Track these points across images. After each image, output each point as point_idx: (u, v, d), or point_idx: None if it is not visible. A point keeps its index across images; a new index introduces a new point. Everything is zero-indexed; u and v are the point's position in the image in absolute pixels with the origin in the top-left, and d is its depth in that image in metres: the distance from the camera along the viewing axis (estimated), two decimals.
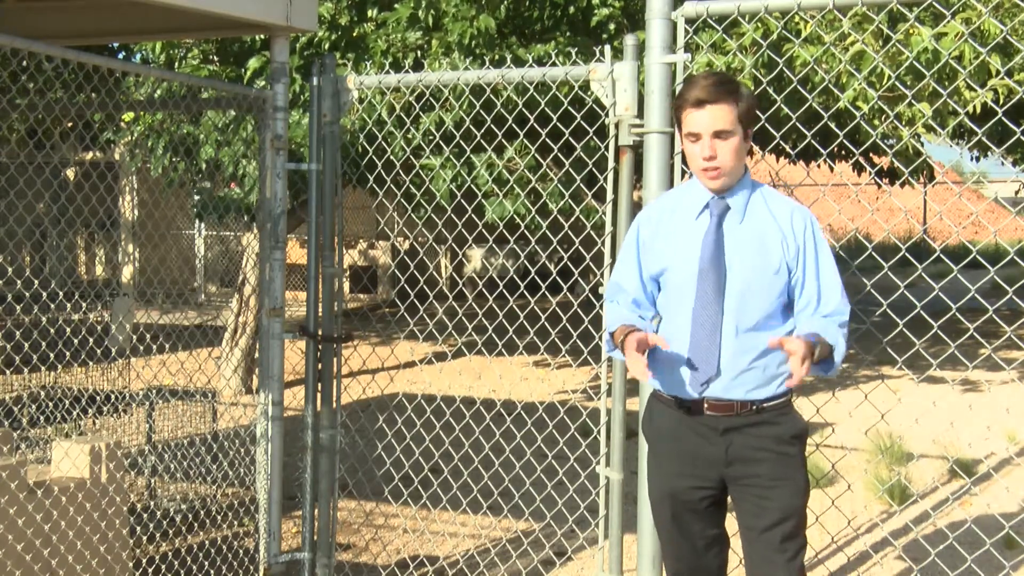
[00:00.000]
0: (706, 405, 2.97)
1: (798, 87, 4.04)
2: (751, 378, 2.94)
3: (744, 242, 2.96)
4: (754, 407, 2.95)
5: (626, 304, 3.14)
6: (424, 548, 5.32)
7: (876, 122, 6.26)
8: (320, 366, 4.35)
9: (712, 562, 3.14)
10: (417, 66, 7.02)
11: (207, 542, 5.11)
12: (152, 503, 5.54)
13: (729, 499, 3.10)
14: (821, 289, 2.97)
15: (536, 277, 4.49)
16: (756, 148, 11.20)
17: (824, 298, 2.97)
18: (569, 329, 4.38)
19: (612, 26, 7.25)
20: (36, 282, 4.04)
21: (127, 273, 15.90)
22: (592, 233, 4.62)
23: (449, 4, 6.79)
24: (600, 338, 3.78)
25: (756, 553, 3.00)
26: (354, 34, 7.38)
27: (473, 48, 6.65)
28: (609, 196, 3.74)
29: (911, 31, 5.56)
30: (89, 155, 14.30)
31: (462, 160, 6.77)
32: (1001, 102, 5.63)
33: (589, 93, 3.80)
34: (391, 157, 5.53)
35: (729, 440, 2.96)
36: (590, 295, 3.91)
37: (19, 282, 3.77)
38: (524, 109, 4.51)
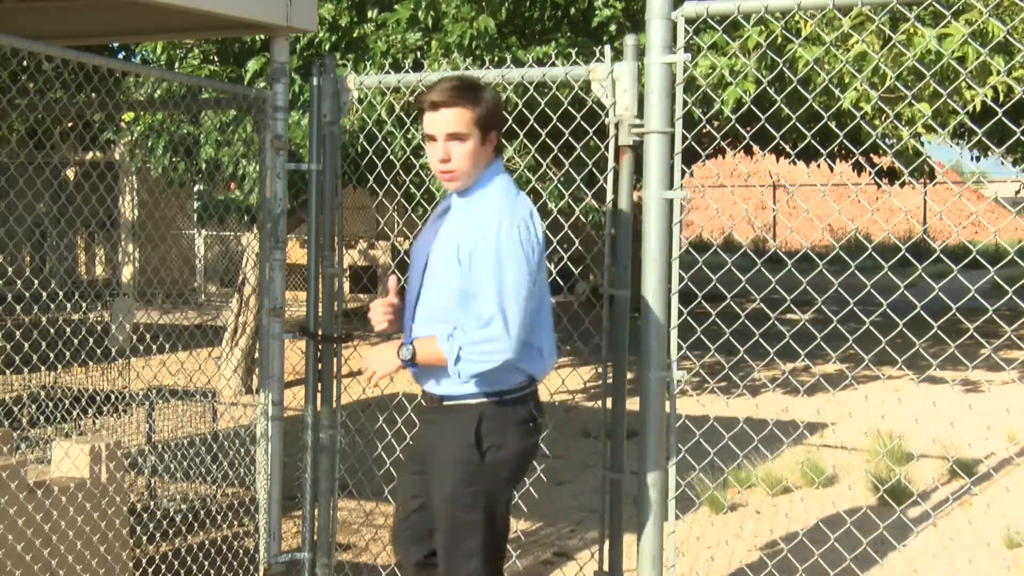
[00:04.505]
0: (423, 393, 3.16)
1: (798, 87, 4.04)
2: (431, 371, 3.04)
3: (442, 240, 3.08)
4: (439, 400, 3.07)
5: None
6: None
7: (876, 122, 6.26)
8: (320, 366, 4.34)
9: (412, 529, 3.19)
10: (417, 67, 7.02)
11: (207, 542, 5.11)
12: (152, 503, 5.54)
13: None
14: (478, 290, 2.93)
15: None
16: (756, 148, 11.19)
17: (478, 299, 2.93)
18: (569, 329, 4.38)
19: (613, 27, 7.25)
20: (36, 282, 4.04)
21: (127, 273, 15.89)
22: (592, 233, 4.62)
23: (449, 5, 6.79)
24: (600, 338, 3.78)
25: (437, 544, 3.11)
26: (354, 35, 7.38)
27: (473, 49, 6.64)
28: (609, 196, 3.74)
29: (912, 31, 5.56)
30: (89, 155, 14.29)
31: None
32: (1001, 100, 5.63)
33: (589, 93, 3.80)
34: (391, 157, 5.53)
35: (424, 431, 3.16)
36: (590, 295, 3.91)
37: (19, 282, 3.77)
38: (524, 109, 4.51)
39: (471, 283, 2.95)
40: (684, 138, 3.49)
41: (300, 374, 5.73)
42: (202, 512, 5.39)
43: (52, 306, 4.22)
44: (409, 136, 6.69)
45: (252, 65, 7.39)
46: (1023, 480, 6.53)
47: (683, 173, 3.59)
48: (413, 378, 3.16)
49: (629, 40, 3.68)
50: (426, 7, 6.85)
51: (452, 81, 3.02)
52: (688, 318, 3.54)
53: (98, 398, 6.53)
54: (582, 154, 5.01)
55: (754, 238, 28.04)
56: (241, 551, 4.76)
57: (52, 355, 4.29)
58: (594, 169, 4.75)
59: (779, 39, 5.80)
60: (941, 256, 3.72)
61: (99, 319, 10.57)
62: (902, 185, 12.49)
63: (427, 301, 3.09)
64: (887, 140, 8.62)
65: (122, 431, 6.20)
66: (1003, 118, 3.43)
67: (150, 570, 4.39)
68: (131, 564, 4.23)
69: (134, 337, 8.73)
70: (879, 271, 3.61)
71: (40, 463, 4.65)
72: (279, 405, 4.33)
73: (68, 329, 4.41)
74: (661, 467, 3.58)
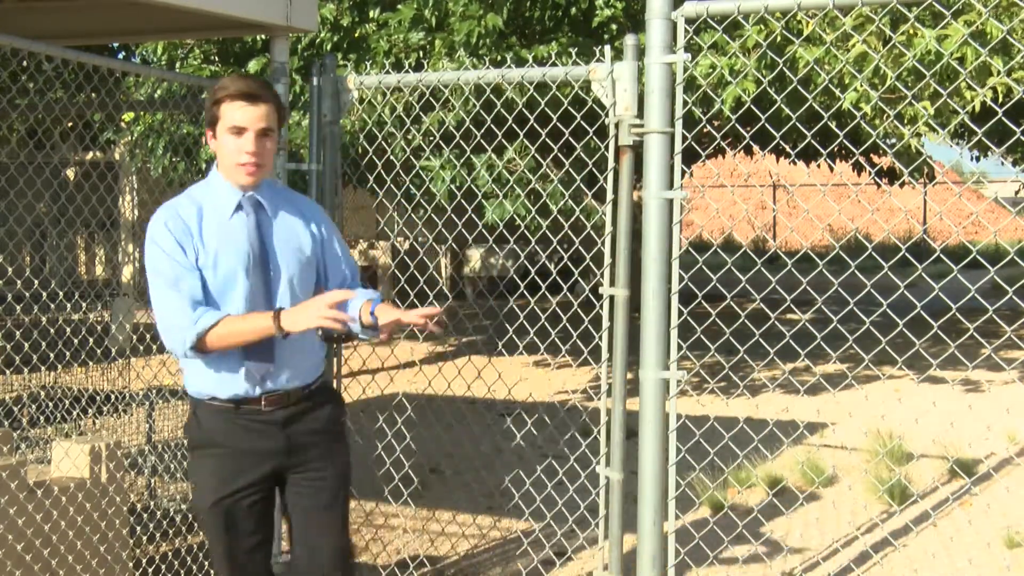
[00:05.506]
0: (263, 401, 3.06)
1: (798, 87, 4.04)
2: (302, 365, 3.12)
3: (282, 237, 3.10)
4: (304, 391, 3.12)
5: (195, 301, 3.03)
6: (424, 548, 5.32)
7: (877, 122, 6.26)
8: None
9: (262, 565, 3.22)
10: (419, 67, 7.02)
11: (207, 542, 5.11)
12: (152, 503, 5.54)
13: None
14: (352, 269, 3.26)
15: (536, 277, 4.48)
16: (756, 148, 11.19)
17: (354, 276, 3.27)
18: (569, 329, 4.38)
19: (614, 27, 7.25)
20: (36, 282, 4.04)
21: (127, 273, 15.89)
22: (592, 233, 4.61)
23: (457, 3, 6.78)
24: (600, 338, 3.78)
25: (313, 529, 3.14)
26: (356, 35, 7.38)
27: (478, 48, 6.64)
28: (609, 196, 3.74)
29: (912, 31, 5.56)
30: (89, 155, 14.29)
31: (462, 161, 6.76)
32: (1001, 101, 5.63)
33: (589, 93, 3.80)
34: (391, 157, 5.53)
35: (289, 431, 3.09)
36: (590, 295, 3.91)
37: (19, 282, 3.77)
38: (524, 109, 4.50)
39: (330, 264, 3.21)
40: (684, 138, 3.49)
41: None
42: None
43: (52, 306, 4.22)
44: (409, 136, 6.69)
45: (253, 65, 7.39)
46: (1023, 480, 6.53)
47: (683, 173, 3.59)
48: (251, 385, 3.04)
49: (629, 40, 3.68)
50: (432, 5, 6.85)
51: (254, 78, 3.13)
52: (688, 318, 3.54)
53: (98, 398, 6.53)
54: (582, 154, 5.01)
55: (754, 238, 28.05)
56: None
57: (52, 355, 4.29)
58: (594, 169, 4.75)
59: (779, 39, 5.80)
60: (941, 256, 3.72)
61: (99, 319, 10.57)
62: (902, 185, 12.48)
63: (294, 295, 3.11)
64: (887, 140, 8.62)
65: (122, 431, 6.19)
66: (1003, 118, 3.43)
67: (150, 570, 4.39)
68: (131, 564, 4.23)
69: (134, 337, 8.73)
70: (879, 271, 3.61)
71: (40, 463, 4.65)
72: None
73: (68, 329, 4.41)
74: (661, 467, 3.58)
